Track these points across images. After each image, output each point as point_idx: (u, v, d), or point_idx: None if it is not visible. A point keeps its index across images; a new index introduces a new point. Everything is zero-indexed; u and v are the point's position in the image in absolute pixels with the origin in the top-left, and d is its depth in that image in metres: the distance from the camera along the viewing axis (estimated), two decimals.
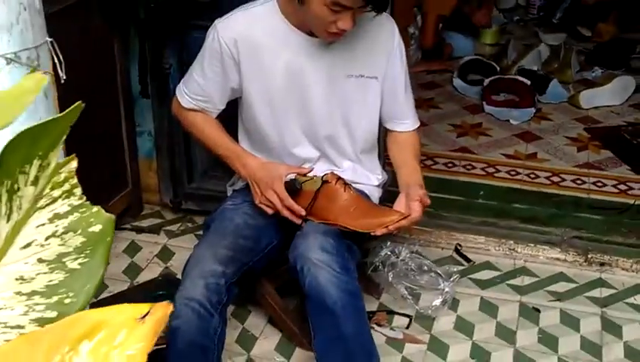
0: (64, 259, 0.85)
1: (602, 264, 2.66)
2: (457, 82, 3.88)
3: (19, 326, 0.83)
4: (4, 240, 0.80)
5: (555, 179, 3.09)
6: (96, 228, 0.86)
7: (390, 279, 2.49)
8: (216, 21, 2.08)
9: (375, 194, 2.30)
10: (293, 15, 2.00)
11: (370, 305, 2.47)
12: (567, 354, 2.29)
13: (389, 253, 2.53)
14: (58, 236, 0.84)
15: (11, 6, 1.05)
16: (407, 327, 2.40)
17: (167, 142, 2.83)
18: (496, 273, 2.65)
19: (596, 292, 2.55)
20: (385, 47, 2.12)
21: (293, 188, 2.02)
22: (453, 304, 2.49)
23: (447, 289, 2.46)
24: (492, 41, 4.39)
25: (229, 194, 2.30)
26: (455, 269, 2.59)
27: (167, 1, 2.49)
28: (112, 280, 2.59)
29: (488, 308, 2.48)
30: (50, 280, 0.84)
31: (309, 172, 2.09)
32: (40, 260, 0.84)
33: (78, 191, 0.86)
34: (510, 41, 4.19)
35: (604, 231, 2.76)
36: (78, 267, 0.86)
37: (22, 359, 0.74)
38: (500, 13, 4.84)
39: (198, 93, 2.11)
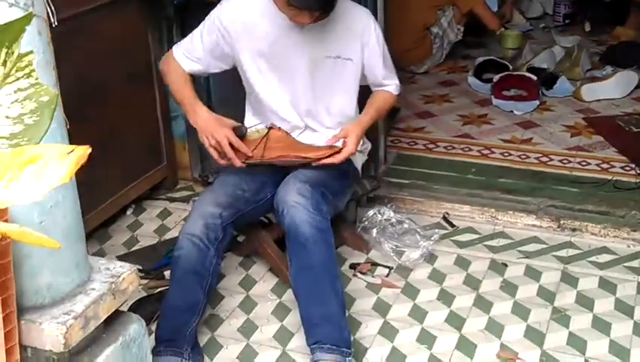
0: (22, 117, 1.28)
1: (573, 229, 2.95)
2: (472, 80, 4.22)
3: None
4: None
5: (544, 159, 3.40)
6: (45, 98, 1.29)
7: (374, 235, 2.85)
8: (222, 1, 2.49)
9: (357, 159, 2.68)
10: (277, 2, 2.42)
11: (359, 259, 2.84)
12: (522, 298, 2.60)
13: (376, 213, 2.91)
14: (19, 102, 1.27)
15: None
16: (387, 276, 2.76)
17: None
18: (476, 236, 2.97)
19: (563, 252, 2.84)
20: (360, 35, 2.48)
21: (240, 133, 2.43)
22: (432, 259, 2.83)
23: (425, 244, 2.80)
24: (513, 45, 4.70)
25: None
26: (437, 231, 2.94)
27: (188, 1, 2.96)
28: (144, 236, 3.05)
29: (462, 263, 2.81)
30: (13, 131, 1.27)
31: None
32: (7, 117, 1.27)
33: (35, 73, 1.29)
34: (527, 44, 4.51)
35: (578, 201, 3.05)
36: (32, 123, 1.28)
37: None
38: (527, 20, 5.15)
39: (191, 52, 2.49)
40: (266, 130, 2.44)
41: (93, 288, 1.73)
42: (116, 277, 1.78)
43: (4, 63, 1.27)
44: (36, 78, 1.31)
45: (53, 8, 1.62)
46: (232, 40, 2.46)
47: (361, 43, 2.49)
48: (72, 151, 1.21)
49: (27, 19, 1.26)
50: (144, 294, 2.65)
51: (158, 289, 2.69)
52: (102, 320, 1.73)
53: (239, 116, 2.68)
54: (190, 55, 2.50)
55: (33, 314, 1.65)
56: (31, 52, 1.30)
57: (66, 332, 1.62)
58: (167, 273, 2.66)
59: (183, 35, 3.06)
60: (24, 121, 1.30)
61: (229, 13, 2.46)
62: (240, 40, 2.46)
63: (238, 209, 2.46)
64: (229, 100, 3.26)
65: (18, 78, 1.31)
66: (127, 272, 1.80)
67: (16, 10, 1.47)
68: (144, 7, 3.04)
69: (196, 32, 2.50)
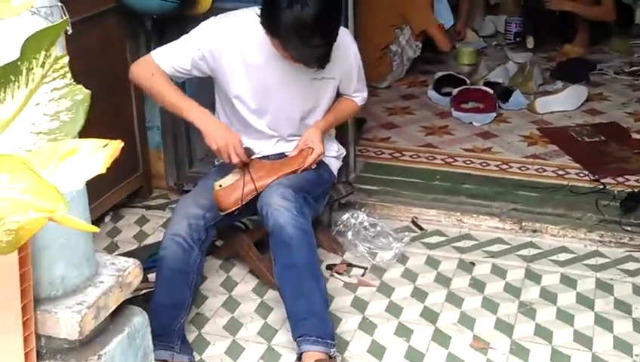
0: (59, 114, 1.38)
1: (534, 231, 3.14)
2: (431, 93, 4.42)
3: (29, 150, 1.37)
4: (23, 100, 1.36)
5: (504, 166, 3.60)
6: (79, 97, 1.40)
7: (350, 237, 3.00)
8: (211, 19, 2.57)
9: (333, 164, 2.84)
10: None
11: (334, 260, 2.98)
12: (491, 294, 2.77)
13: (350, 217, 3.05)
14: (55, 100, 1.38)
15: None
16: (363, 276, 2.90)
17: (171, 134, 3.40)
18: (444, 238, 3.14)
19: (525, 252, 3.03)
20: (343, 55, 2.60)
21: (249, 153, 2.54)
22: (403, 259, 2.98)
23: (397, 245, 2.96)
24: (469, 61, 4.94)
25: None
26: (407, 233, 3.10)
27: (166, 16, 3.07)
28: (123, 243, 3.14)
29: (432, 263, 2.97)
30: (50, 127, 1.38)
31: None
32: (45, 114, 1.38)
33: (69, 74, 1.41)
34: (482, 60, 4.74)
35: (538, 204, 3.25)
36: (67, 119, 1.39)
37: (23, 167, 1.27)
38: (481, 38, 5.41)
39: (175, 61, 2.53)
40: (243, 167, 2.54)
41: (102, 281, 1.84)
42: (122, 271, 1.88)
43: (43, 65, 1.37)
44: (70, 79, 1.41)
45: (68, 17, 1.74)
46: (220, 60, 2.54)
47: (342, 62, 2.62)
48: (106, 145, 1.33)
49: (63, 25, 1.37)
50: (130, 296, 2.73)
51: (143, 291, 2.78)
52: (111, 311, 1.84)
53: None
54: (174, 64, 2.54)
55: (48, 305, 1.75)
56: (65, 55, 1.41)
57: (81, 321, 1.72)
58: (150, 276, 2.74)
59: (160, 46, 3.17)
60: (60, 118, 1.40)
61: (219, 33, 2.53)
62: (228, 62, 2.54)
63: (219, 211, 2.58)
64: (212, 107, 3.38)
65: (54, 79, 1.41)
66: (132, 266, 1.91)
67: (37, 18, 1.58)
68: (123, 20, 3.14)
69: (182, 43, 2.56)
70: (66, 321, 1.72)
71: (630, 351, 2.45)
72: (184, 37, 2.59)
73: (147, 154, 3.48)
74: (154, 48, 3.20)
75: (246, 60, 2.53)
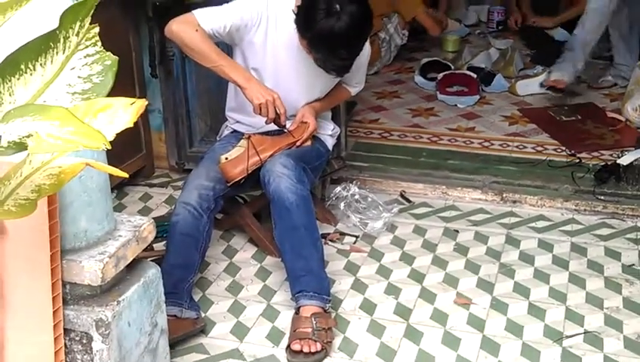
0: (91, 77, 1.58)
1: (514, 201, 3.36)
2: (418, 78, 4.64)
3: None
4: (61, 64, 1.56)
5: (486, 144, 3.82)
6: (108, 62, 1.59)
7: (342, 208, 3.21)
8: None
9: (329, 141, 3.04)
10: None
11: (328, 230, 3.18)
12: (474, 257, 2.98)
13: (342, 190, 3.26)
14: (88, 65, 1.57)
15: None
16: (354, 243, 3.11)
17: (172, 115, 3.60)
18: (430, 209, 3.36)
19: (506, 220, 3.25)
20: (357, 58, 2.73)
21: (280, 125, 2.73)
22: (392, 228, 3.19)
23: (386, 215, 3.17)
24: (453, 48, 5.17)
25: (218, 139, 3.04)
26: (396, 205, 3.31)
27: (168, 2, 3.27)
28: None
29: (419, 231, 3.18)
30: (84, 88, 1.58)
31: None
32: (79, 77, 1.58)
33: (99, 43, 1.61)
34: (465, 47, 4.97)
35: (518, 177, 3.47)
36: (98, 81, 1.58)
37: (70, 116, 1.47)
38: (465, 26, 5.63)
39: (216, 26, 2.61)
40: (247, 141, 2.75)
41: (120, 235, 2.03)
42: (138, 227, 2.08)
43: (78, 34, 1.58)
44: (100, 47, 1.61)
45: None
46: (253, 33, 2.68)
47: (355, 64, 2.72)
48: (134, 103, 1.53)
49: None
50: None
51: (149, 259, 2.98)
52: (129, 261, 2.04)
53: (217, 107, 2.97)
54: (214, 26, 2.62)
55: (73, 255, 1.94)
56: (96, 25, 1.61)
57: (103, 268, 1.92)
58: (156, 245, 2.94)
59: (164, 39, 3.36)
60: (92, 80, 1.60)
61: (262, 8, 2.66)
62: (259, 37, 2.69)
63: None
64: (210, 89, 3.59)
65: (87, 46, 1.61)
66: (146, 223, 2.11)
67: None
68: (126, 7, 3.34)
69: (226, 9, 2.65)
70: (89, 268, 1.91)
71: (601, 305, 2.67)
72: (229, 4, 2.69)
73: (149, 135, 3.67)
74: (156, 34, 3.41)
75: (273, 41, 2.71)
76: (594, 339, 2.49)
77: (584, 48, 4.09)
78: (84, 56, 1.60)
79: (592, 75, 4.64)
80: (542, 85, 4.30)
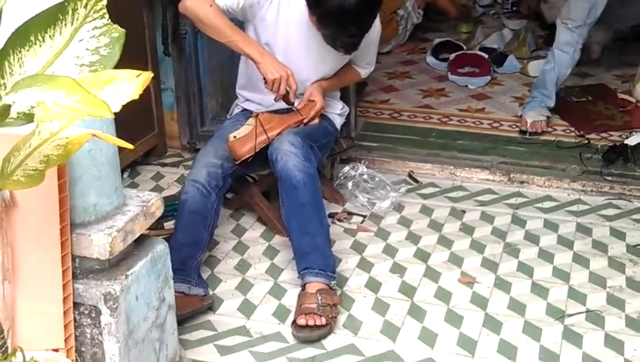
0: (99, 49, 1.61)
1: (522, 182, 3.38)
2: (430, 59, 4.65)
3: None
4: (69, 36, 1.59)
5: (495, 125, 3.84)
6: (115, 35, 1.62)
7: (350, 188, 3.24)
8: None
9: (337, 120, 3.07)
10: None
11: (336, 209, 3.22)
12: (479, 237, 3.01)
13: (350, 169, 3.29)
14: (96, 37, 1.60)
15: None
16: (362, 223, 3.14)
17: (184, 93, 3.63)
18: (438, 189, 3.38)
19: (513, 201, 3.27)
20: (367, 36, 2.74)
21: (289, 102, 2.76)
22: (400, 208, 3.22)
23: (394, 195, 3.20)
24: (467, 29, 5.16)
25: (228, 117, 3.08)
26: (404, 185, 3.33)
27: None
28: None
29: (426, 211, 3.21)
30: (91, 60, 1.61)
31: None
32: (87, 49, 1.61)
33: (107, 15, 1.64)
34: (479, 27, 4.97)
35: (526, 157, 3.49)
36: (106, 54, 1.61)
37: (76, 85, 1.51)
38: (480, 7, 5.63)
39: (234, 1, 2.66)
40: (254, 119, 2.78)
41: (129, 210, 2.07)
42: (146, 202, 2.12)
43: (85, 6, 1.60)
44: (108, 19, 1.64)
45: None
46: (266, 9, 2.71)
47: (365, 41, 2.76)
48: (139, 75, 1.56)
49: None
50: None
51: (160, 237, 3.02)
52: (137, 236, 2.08)
53: (228, 85, 2.99)
54: (228, 2, 2.67)
55: (82, 229, 1.99)
56: None
57: (111, 242, 1.96)
58: (166, 224, 2.99)
59: (177, 17, 3.39)
60: (100, 52, 1.63)
61: None
62: (272, 13, 2.73)
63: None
64: (222, 67, 3.62)
65: (95, 19, 1.64)
66: (154, 199, 2.15)
67: None
68: None
69: None
70: (98, 242, 1.95)
71: (604, 284, 2.70)
72: None
73: (161, 114, 3.71)
74: (169, 12, 3.44)
75: (285, 17, 2.74)
76: (596, 318, 2.52)
77: (557, 84, 3.82)
78: (92, 29, 1.62)
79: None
80: (523, 132, 3.73)
